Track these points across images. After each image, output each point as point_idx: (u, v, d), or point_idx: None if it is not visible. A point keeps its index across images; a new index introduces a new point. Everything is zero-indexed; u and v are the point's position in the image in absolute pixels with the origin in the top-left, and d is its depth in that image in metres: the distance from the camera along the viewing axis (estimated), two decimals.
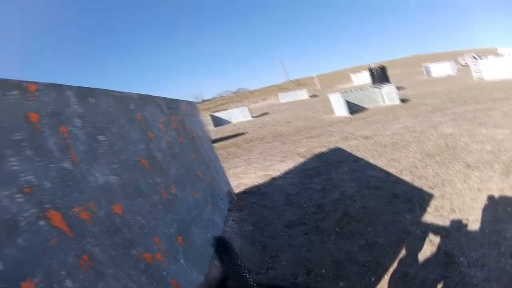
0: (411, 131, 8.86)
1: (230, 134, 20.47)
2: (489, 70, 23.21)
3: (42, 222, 1.86)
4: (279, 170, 7.73)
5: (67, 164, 2.13)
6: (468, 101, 13.19)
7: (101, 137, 2.59)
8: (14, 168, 1.80)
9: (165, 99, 4.61)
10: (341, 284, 3.30)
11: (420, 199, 4.45)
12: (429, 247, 3.39)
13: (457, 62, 41.25)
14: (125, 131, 2.99)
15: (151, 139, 3.50)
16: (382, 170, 5.93)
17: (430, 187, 4.78)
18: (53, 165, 2.02)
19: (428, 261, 3.32)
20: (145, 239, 2.50)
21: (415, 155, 6.47)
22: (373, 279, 3.26)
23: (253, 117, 32.06)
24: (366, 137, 9.32)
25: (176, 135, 4.37)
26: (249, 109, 33.50)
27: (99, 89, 2.92)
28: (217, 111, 52.46)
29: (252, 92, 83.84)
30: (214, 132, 19.56)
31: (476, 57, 40.42)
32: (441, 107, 12.70)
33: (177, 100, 5.05)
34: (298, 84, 73.39)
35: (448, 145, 6.61)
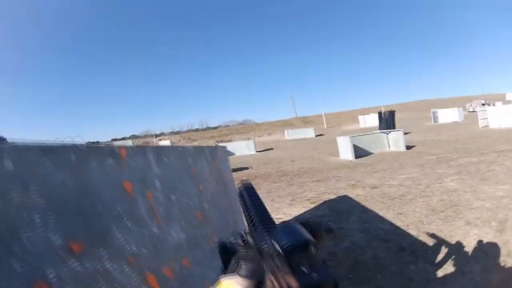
0: (417, 184, 9.20)
1: (234, 167, 20.56)
2: (495, 117, 23.88)
3: (144, 287, 2.10)
4: (290, 214, 8.10)
5: (155, 229, 2.36)
6: (472, 152, 13.60)
7: (173, 197, 2.84)
8: (120, 241, 1.96)
9: (208, 148, 4.84)
10: None
11: (423, 252, 4.95)
12: None
13: (464, 109, 41.61)
14: (187, 187, 3.30)
15: (202, 191, 3.76)
16: (390, 223, 6.35)
17: (434, 242, 5.23)
18: (146, 232, 2.22)
19: None
20: (202, 286, 2.80)
21: (421, 210, 6.84)
22: None
23: (257, 151, 32.29)
24: (374, 187, 9.67)
25: (216, 183, 4.62)
26: (254, 143, 33.72)
27: (169, 147, 2.88)
28: (222, 141, 52.90)
29: (258, 125, 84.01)
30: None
31: (485, 103, 40.93)
32: (445, 158, 13.07)
33: (216, 147, 5.38)
34: (305, 121, 74.07)
35: (452, 201, 7.02)
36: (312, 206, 8.61)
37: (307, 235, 0.81)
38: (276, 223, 0.93)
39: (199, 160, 3.98)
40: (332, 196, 9.32)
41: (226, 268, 0.93)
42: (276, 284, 0.74)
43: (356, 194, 9.15)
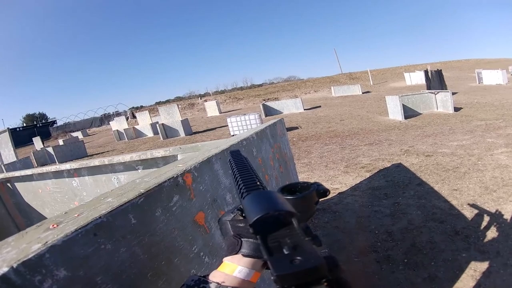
0: (469, 154, 9.09)
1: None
2: None
3: None
4: (345, 184, 8.07)
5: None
6: None
7: None
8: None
9: (269, 127, 4.56)
10: None
11: (475, 238, 4.98)
12: (472, 283, 4.04)
13: (508, 71, 40.45)
14: None
15: (267, 181, 3.71)
16: (446, 201, 6.32)
17: (485, 228, 5.27)
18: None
19: None
20: None
21: (475, 187, 6.76)
22: None
23: (305, 109, 31.84)
24: (427, 155, 9.61)
25: (279, 166, 4.57)
26: (302, 101, 33.28)
27: (234, 143, 2.95)
28: (268, 99, 52.44)
29: (304, 81, 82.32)
30: (266, 121, 19.61)
31: None
32: (494, 126, 12.78)
33: (275, 123, 5.03)
34: (351, 77, 71.89)
35: (504, 180, 6.90)
36: (368, 175, 8.60)
37: (283, 204, 0.72)
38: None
39: (263, 147, 3.83)
40: (387, 164, 9.34)
41: (229, 247, 0.90)
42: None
43: (411, 162, 9.12)
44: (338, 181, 8.48)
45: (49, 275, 1.05)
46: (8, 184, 6.60)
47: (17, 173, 6.28)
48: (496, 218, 5.49)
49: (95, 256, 1.22)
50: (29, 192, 6.31)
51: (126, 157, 4.43)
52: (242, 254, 0.83)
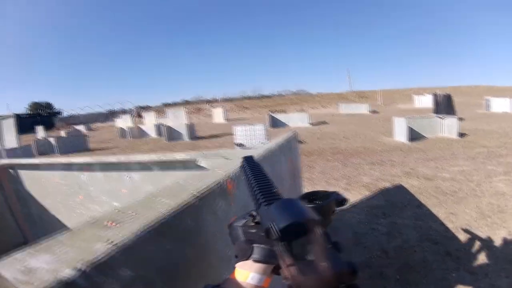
0: (469, 180, 9.25)
1: None
2: None
3: None
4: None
5: None
6: None
7: None
8: None
9: (287, 141, 4.57)
10: None
11: (466, 260, 5.19)
12: None
13: None
14: None
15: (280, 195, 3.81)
16: (441, 224, 6.53)
17: (476, 251, 5.47)
18: None
19: None
20: None
21: (471, 212, 6.95)
22: None
23: (311, 124, 32.05)
24: (428, 179, 9.78)
25: (291, 179, 4.64)
26: (309, 116, 33.57)
27: (260, 152, 3.09)
28: (276, 111, 52.48)
29: (312, 96, 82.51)
30: (271, 132, 19.75)
31: None
32: (495, 153, 12.94)
33: (293, 136, 5.14)
34: (360, 96, 72.49)
35: (500, 206, 7.08)
36: (368, 193, 8.78)
37: (310, 212, 0.75)
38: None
39: (282, 159, 3.95)
40: (387, 184, 9.49)
41: (240, 253, 0.92)
42: (287, 273, 0.68)
43: (411, 184, 9.28)
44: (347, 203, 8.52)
45: (115, 276, 1.07)
46: (11, 170, 6.64)
47: (23, 161, 6.46)
48: (488, 242, 5.68)
49: (156, 257, 1.29)
50: (33, 180, 6.39)
51: (145, 157, 4.54)
52: (254, 260, 0.86)
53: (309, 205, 0.83)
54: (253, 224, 0.92)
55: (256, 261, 0.85)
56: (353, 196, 8.60)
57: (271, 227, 0.70)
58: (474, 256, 5.34)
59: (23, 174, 6.42)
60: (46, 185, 6.08)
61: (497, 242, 5.68)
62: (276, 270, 0.86)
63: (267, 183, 0.95)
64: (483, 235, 5.96)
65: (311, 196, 0.91)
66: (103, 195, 5.31)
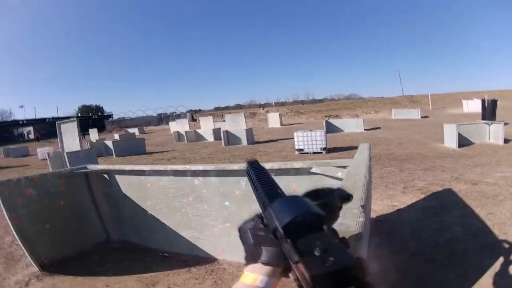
0: (509, 185, 10.14)
1: (344, 145, 21.91)
2: None
3: None
4: (403, 202, 9.26)
5: None
6: None
7: None
8: None
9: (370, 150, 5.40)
10: None
11: (499, 250, 6.29)
12: (490, 280, 5.29)
13: None
14: None
15: None
16: (481, 221, 7.51)
17: (508, 243, 6.52)
18: None
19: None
20: None
21: (506, 213, 7.88)
22: None
23: (365, 129, 32.60)
24: (474, 183, 10.74)
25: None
26: (363, 122, 34.11)
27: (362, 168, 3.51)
28: (330, 116, 52.68)
29: (365, 101, 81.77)
30: (328, 138, 21.07)
31: None
32: None
33: (369, 147, 5.77)
34: (412, 100, 71.73)
35: None
36: (422, 196, 9.80)
37: (313, 207, 0.75)
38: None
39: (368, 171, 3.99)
40: (439, 188, 10.51)
41: (249, 256, 0.88)
42: (297, 273, 0.65)
43: (459, 189, 10.26)
44: (397, 199, 9.62)
45: None
46: (105, 175, 7.44)
47: (127, 167, 7.29)
48: None
49: None
50: (131, 184, 7.21)
51: (267, 165, 5.33)
52: (262, 263, 0.83)
53: (313, 202, 0.80)
54: (261, 226, 0.91)
55: (264, 263, 0.82)
56: (409, 198, 9.65)
57: (276, 225, 0.72)
58: (506, 248, 6.40)
59: (120, 179, 7.30)
60: (148, 189, 6.99)
61: None
62: (285, 273, 0.83)
63: (272, 185, 0.96)
64: None
65: (315, 194, 0.87)
66: (216, 196, 6.31)
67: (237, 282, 0.85)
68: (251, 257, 0.87)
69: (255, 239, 0.89)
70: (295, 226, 0.70)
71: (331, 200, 0.86)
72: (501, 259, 5.92)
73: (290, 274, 0.78)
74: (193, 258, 6.56)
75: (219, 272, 6.01)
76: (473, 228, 7.31)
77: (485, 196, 9.38)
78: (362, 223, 1.69)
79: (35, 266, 6.32)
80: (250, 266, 0.85)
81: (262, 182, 0.98)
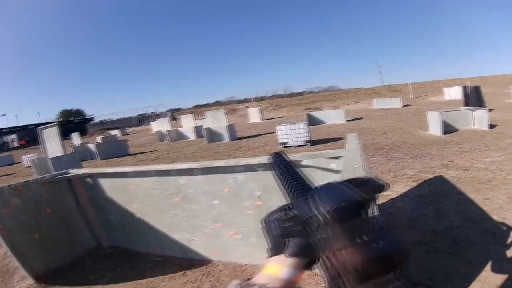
0: (501, 170, 10.21)
1: (328, 137, 21.92)
2: None
3: None
4: (396, 191, 9.15)
5: None
6: None
7: None
8: None
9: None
10: (449, 286, 4.99)
11: (501, 235, 6.25)
12: (498, 266, 5.27)
13: None
14: None
15: None
16: (479, 207, 7.48)
17: (508, 227, 6.46)
18: None
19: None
20: None
21: (503, 197, 7.88)
22: (466, 283, 4.96)
23: (347, 120, 32.75)
24: (465, 169, 10.77)
25: None
26: (345, 112, 34.05)
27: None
28: (310, 108, 52.84)
29: (345, 92, 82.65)
30: (311, 130, 20.91)
31: None
32: None
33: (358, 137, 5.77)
34: (392, 90, 72.52)
35: None
36: (414, 184, 9.76)
37: (358, 191, 0.72)
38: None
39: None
40: (430, 176, 10.49)
41: (273, 248, 0.87)
42: (334, 261, 0.62)
43: (450, 175, 10.27)
44: (389, 189, 9.44)
45: None
46: (89, 179, 7.22)
47: (109, 169, 7.00)
48: None
49: None
50: (116, 187, 7.01)
51: (255, 160, 5.45)
52: (288, 254, 0.82)
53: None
54: (287, 217, 0.88)
55: (290, 255, 0.81)
56: (401, 187, 9.57)
57: (315, 213, 0.71)
58: (507, 232, 6.36)
59: (104, 182, 7.10)
60: (133, 191, 6.81)
61: None
62: (309, 265, 0.82)
63: (301, 177, 0.95)
64: None
65: (350, 183, 0.80)
66: (203, 195, 6.15)
67: (260, 273, 0.84)
68: (276, 249, 0.86)
69: (282, 230, 0.87)
70: (342, 210, 0.68)
71: (367, 189, 0.78)
72: (505, 245, 5.92)
73: (315, 266, 0.79)
74: (187, 261, 6.43)
75: (216, 274, 5.90)
76: (472, 215, 7.26)
77: (479, 182, 9.38)
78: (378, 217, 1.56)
79: (31, 278, 6.21)
80: (275, 257, 0.85)
81: (292, 173, 0.98)
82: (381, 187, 0.81)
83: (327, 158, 5.00)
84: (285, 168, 1.03)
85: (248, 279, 0.83)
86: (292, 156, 5.07)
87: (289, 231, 0.84)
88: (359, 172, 2.80)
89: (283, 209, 0.90)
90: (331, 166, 4.90)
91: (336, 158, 4.85)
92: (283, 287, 0.78)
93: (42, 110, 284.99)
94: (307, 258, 0.80)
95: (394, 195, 8.96)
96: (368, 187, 0.79)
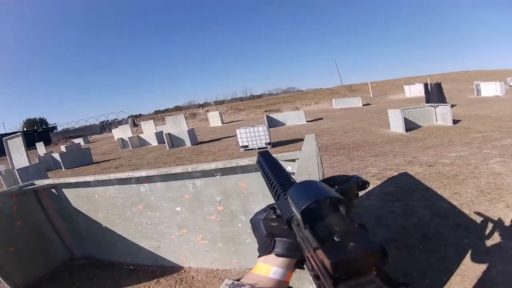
0: (467, 164, 10.18)
1: (288, 139, 21.81)
2: None
3: None
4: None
5: None
6: None
7: None
8: None
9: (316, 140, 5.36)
10: (427, 281, 4.85)
11: (474, 229, 6.15)
12: (475, 260, 5.16)
13: (506, 82, 41.13)
14: None
15: None
16: (448, 202, 7.39)
17: (481, 221, 6.39)
18: None
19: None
20: None
21: (472, 191, 7.83)
22: (444, 278, 4.82)
23: (307, 121, 32.67)
24: (430, 165, 10.69)
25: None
26: (305, 113, 34.13)
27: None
28: (270, 110, 52.98)
29: (304, 93, 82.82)
30: (270, 132, 20.84)
31: None
32: (490, 138, 13.91)
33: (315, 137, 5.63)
34: (351, 90, 72.96)
35: (497, 185, 8.01)
36: (379, 182, 9.62)
37: (332, 191, 0.68)
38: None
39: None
40: (394, 173, 10.37)
41: (262, 248, 0.88)
42: (313, 262, 0.62)
43: (415, 171, 10.17)
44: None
45: None
46: (53, 190, 7.03)
47: (72, 179, 6.80)
48: (490, 213, 6.63)
49: None
50: (80, 197, 6.86)
51: (211, 165, 5.32)
52: (276, 254, 0.83)
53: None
54: (274, 217, 0.92)
55: (278, 255, 0.83)
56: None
57: (293, 212, 0.71)
58: (480, 225, 6.26)
59: (68, 192, 6.91)
60: (98, 200, 6.66)
61: (498, 213, 6.61)
62: (298, 264, 0.84)
63: (285, 174, 0.94)
64: (484, 208, 6.88)
65: (331, 181, 0.82)
66: (165, 202, 6.02)
67: (249, 273, 0.85)
68: (264, 248, 0.87)
69: (268, 229, 0.90)
70: (313, 210, 0.65)
71: (348, 187, 0.81)
72: (479, 238, 5.84)
73: (304, 265, 0.73)
74: (159, 268, 6.41)
75: (188, 280, 5.87)
76: (441, 210, 7.16)
77: (445, 177, 9.30)
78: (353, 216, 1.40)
79: None
80: (263, 257, 0.86)
81: (275, 172, 0.97)
82: (364, 184, 0.85)
83: (283, 161, 4.83)
84: (267, 167, 1.02)
85: (238, 279, 0.82)
86: (248, 160, 5.20)
87: (276, 231, 0.88)
88: (314, 174, 2.80)
89: (269, 208, 0.97)
90: (288, 169, 4.65)
91: (293, 160, 4.82)
92: (273, 287, 0.80)
93: (7, 120, 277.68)
94: (295, 257, 0.82)
95: (359, 194, 8.58)
96: (351, 184, 0.82)
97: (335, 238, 0.60)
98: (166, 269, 6.28)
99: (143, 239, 6.47)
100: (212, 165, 5.32)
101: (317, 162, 3.30)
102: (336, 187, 0.79)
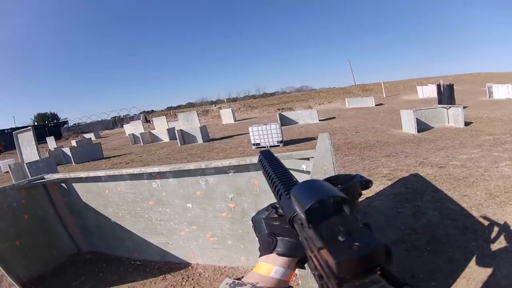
0: (477, 166, 10.21)
1: (300, 137, 21.73)
2: None
3: None
4: (371, 190, 8.92)
5: None
6: None
7: None
8: None
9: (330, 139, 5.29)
10: (433, 283, 4.90)
11: (482, 231, 6.20)
12: (482, 263, 5.20)
13: None
14: None
15: None
16: (457, 204, 7.44)
17: (489, 224, 6.42)
18: None
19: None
20: None
21: (481, 193, 7.86)
22: (450, 280, 4.87)
23: (320, 120, 32.47)
24: (440, 167, 10.73)
25: None
26: (317, 112, 33.77)
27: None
28: (283, 108, 52.78)
29: (317, 92, 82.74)
30: (283, 131, 20.83)
31: None
32: (501, 140, 13.92)
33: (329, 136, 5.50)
34: (364, 89, 72.53)
35: (506, 188, 8.04)
36: (389, 183, 9.66)
37: (336, 190, 0.67)
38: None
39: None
40: (405, 174, 10.41)
41: (263, 247, 0.88)
42: (316, 262, 0.61)
43: (426, 173, 10.21)
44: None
45: None
46: (63, 184, 7.11)
47: (83, 174, 6.87)
48: (498, 217, 6.67)
49: None
50: (90, 192, 6.93)
51: (225, 162, 5.38)
52: (277, 253, 0.83)
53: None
54: (276, 216, 0.92)
55: (280, 254, 0.83)
56: (376, 186, 9.45)
57: (296, 212, 0.70)
58: (488, 228, 6.30)
59: (78, 187, 6.99)
60: (107, 195, 6.72)
61: (506, 216, 6.66)
62: (300, 264, 0.84)
63: (287, 173, 0.94)
64: (493, 211, 6.93)
65: (334, 180, 0.80)
66: (176, 199, 6.07)
67: (251, 272, 0.85)
68: (266, 247, 0.87)
69: (270, 228, 0.90)
70: (317, 210, 0.64)
71: (351, 186, 0.77)
72: (486, 241, 5.87)
73: (306, 265, 0.79)
74: (166, 264, 6.43)
75: (196, 277, 5.87)
76: (450, 212, 7.20)
77: (455, 179, 9.33)
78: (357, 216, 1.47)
79: (18, 286, 6.05)
80: (265, 257, 0.86)
81: (277, 171, 0.96)
82: (367, 183, 0.80)
83: (297, 159, 4.92)
84: (269, 166, 1.01)
85: (239, 278, 0.83)
86: None
87: (278, 230, 0.88)
88: (329, 173, 2.76)
89: (271, 207, 0.97)
90: (302, 167, 4.81)
91: (307, 159, 4.80)
92: (274, 286, 0.80)
93: (18, 114, 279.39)
94: (297, 257, 0.83)
95: (369, 194, 8.81)
96: (354, 183, 0.78)
97: (340, 238, 0.59)
98: (173, 265, 6.33)
99: (152, 235, 6.53)
100: (226, 162, 5.36)
101: (332, 161, 3.26)
102: (339, 186, 0.76)
